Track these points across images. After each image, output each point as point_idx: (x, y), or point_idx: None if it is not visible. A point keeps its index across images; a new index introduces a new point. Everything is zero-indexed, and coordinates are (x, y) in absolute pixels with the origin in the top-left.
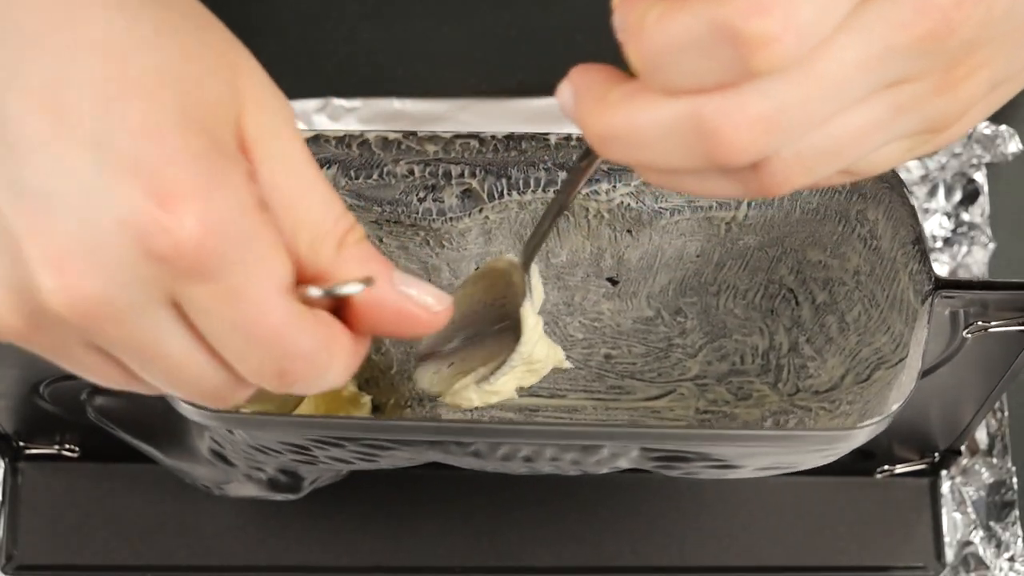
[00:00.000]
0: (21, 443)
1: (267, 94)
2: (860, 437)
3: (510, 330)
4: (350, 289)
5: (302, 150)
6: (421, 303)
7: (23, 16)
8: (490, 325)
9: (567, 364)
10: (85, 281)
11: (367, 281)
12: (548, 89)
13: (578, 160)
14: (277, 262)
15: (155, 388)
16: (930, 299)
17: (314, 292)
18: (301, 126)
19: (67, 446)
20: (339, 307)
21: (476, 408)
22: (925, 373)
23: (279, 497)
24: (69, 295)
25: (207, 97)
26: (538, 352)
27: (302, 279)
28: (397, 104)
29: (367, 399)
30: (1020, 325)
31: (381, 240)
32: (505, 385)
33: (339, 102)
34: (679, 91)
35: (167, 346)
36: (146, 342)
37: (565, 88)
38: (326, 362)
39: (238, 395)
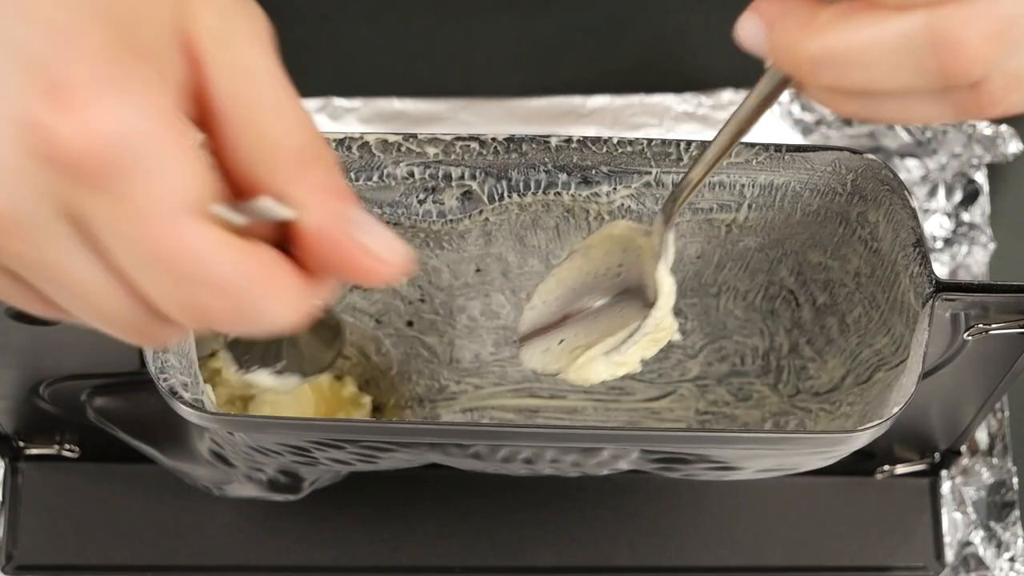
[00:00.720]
0: (21, 443)
1: (227, 2)
2: (861, 440)
3: (634, 298)
4: (266, 210)
5: (268, 65)
6: (375, 253)
7: None
8: (604, 295)
9: (678, 336)
10: None
11: (295, 208)
12: (548, 89)
13: (762, 94)
14: (189, 179)
15: (75, 317)
16: (931, 302)
17: (218, 209)
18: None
19: (67, 446)
20: (288, 243)
21: (592, 384)
22: (926, 375)
23: (279, 498)
24: None
25: None
26: (667, 319)
27: None
28: (397, 104)
29: (367, 400)
30: (1021, 327)
31: None
32: (633, 356)
33: (339, 102)
34: (911, 5)
35: (72, 269)
36: (49, 262)
37: (749, 20)
38: (258, 299)
39: (161, 333)
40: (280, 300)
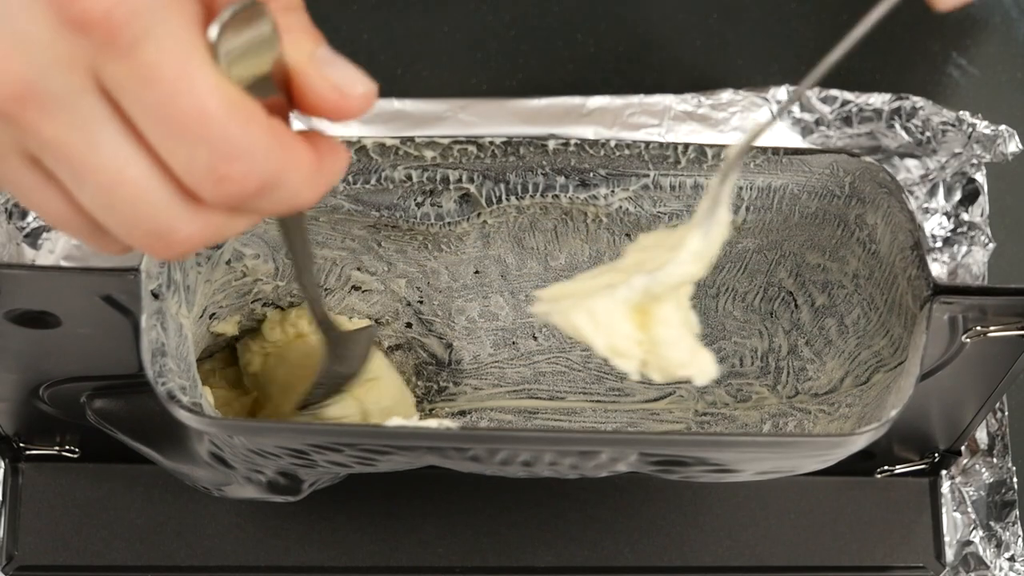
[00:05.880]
0: (21, 444)
1: None
2: (859, 443)
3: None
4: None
5: None
6: (340, 87)
7: None
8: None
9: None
10: (7, 63)
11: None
12: (548, 89)
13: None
14: (194, 34)
15: (94, 226)
16: (929, 304)
17: (212, 31)
18: (300, 126)
19: (67, 447)
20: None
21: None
22: (924, 376)
23: (278, 499)
24: None
25: None
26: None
27: None
28: (397, 104)
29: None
30: (1019, 330)
31: (379, 244)
32: (618, 320)
33: None
34: None
35: (102, 145)
36: (78, 140)
37: None
38: (274, 166)
39: (184, 226)
40: (299, 171)
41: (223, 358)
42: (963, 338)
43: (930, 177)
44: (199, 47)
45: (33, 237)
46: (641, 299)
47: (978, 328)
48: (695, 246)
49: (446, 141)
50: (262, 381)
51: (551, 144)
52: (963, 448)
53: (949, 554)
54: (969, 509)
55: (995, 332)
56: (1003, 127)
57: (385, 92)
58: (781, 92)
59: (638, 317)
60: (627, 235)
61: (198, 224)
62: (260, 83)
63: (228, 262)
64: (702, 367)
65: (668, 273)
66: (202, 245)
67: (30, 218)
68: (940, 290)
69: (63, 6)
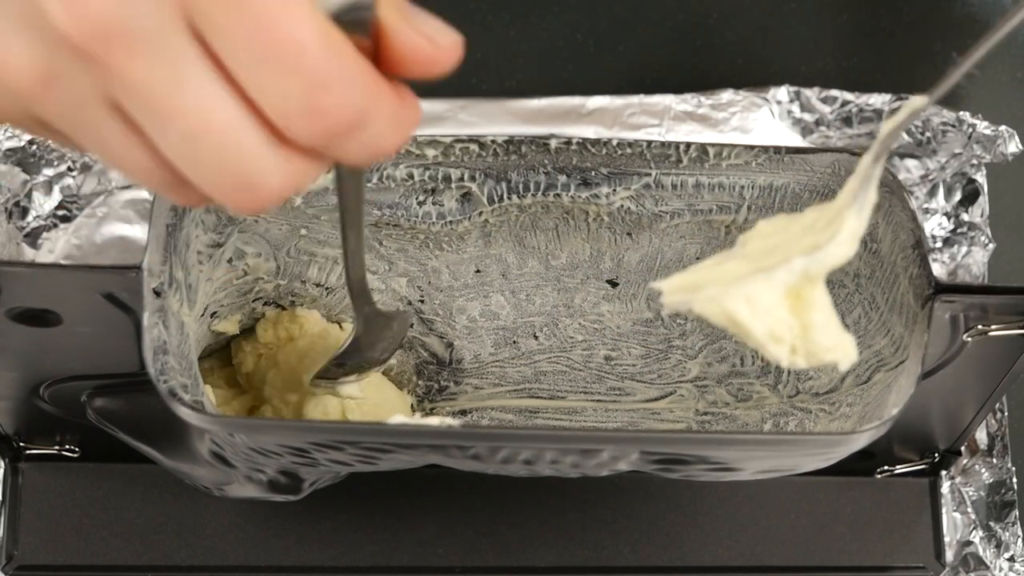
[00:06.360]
0: (21, 443)
1: None
2: (860, 441)
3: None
4: None
5: None
6: (437, 41)
7: None
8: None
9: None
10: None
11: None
12: (548, 89)
13: None
14: None
15: (176, 177)
16: (930, 303)
17: None
18: None
19: (67, 446)
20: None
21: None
22: (925, 375)
23: (279, 498)
24: (76, 13)
25: None
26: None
27: None
28: None
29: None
30: (1020, 329)
31: (380, 243)
32: (775, 304)
33: None
34: None
35: (189, 87)
36: (166, 82)
37: None
38: (366, 101)
39: (270, 174)
40: (386, 112)
41: (221, 357)
42: (964, 337)
43: (930, 177)
44: None
45: (33, 237)
46: (798, 282)
47: (979, 327)
48: (853, 226)
49: (448, 140)
50: (255, 382)
51: (553, 143)
52: (963, 448)
53: (949, 554)
54: (969, 509)
55: (996, 331)
56: (1003, 127)
57: None
58: (781, 92)
59: (791, 301)
60: (628, 234)
61: (282, 171)
62: (352, 25)
63: (230, 260)
64: (847, 350)
65: (828, 254)
66: (285, 197)
67: (30, 218)
68: (942, 289)
69: None
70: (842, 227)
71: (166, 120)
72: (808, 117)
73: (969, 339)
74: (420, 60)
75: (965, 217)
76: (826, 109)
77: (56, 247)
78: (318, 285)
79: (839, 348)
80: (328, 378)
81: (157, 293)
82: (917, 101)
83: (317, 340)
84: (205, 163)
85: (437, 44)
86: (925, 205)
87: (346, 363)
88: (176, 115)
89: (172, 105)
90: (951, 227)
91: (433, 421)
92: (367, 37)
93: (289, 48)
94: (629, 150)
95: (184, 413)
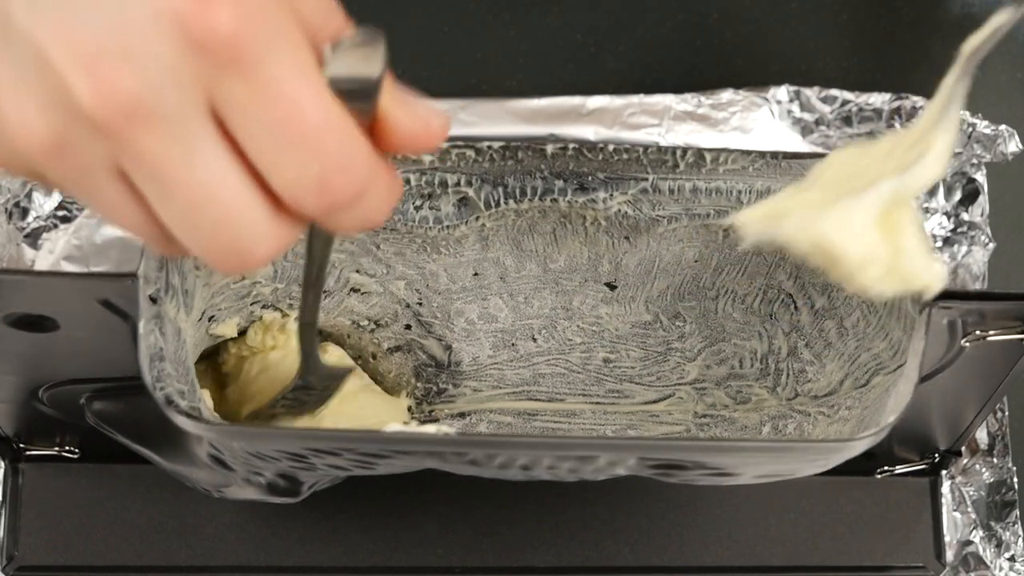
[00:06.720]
0: (21, 444)
1: None
2: (858, 448)
3: None
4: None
5: None
6: (425, 120)
7: None
8: None
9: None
10: (120, 77)
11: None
12: (548, 89)
13: None
14: (309, 55)
15: (165, 236)
16: (928, 309)
17: (327, 51)
18: None
19: (67, 447)
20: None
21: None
22: (924, 379)
23: (278, 500)
24: (103, 92)
25: None
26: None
27: None
28: None
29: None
30: (1018, 334)
31: (378, 247)
32: (866, 227)
33: None
34: None
35: (199, 164)
36: (177, 158)
37: None
38: (369, 178)
39: (262, 243)
40: (381, 187)
41: (216, 358)
42: (962, 342)
43: None
44: (314, 66)
45: (33, 237)
46: (887, 206)
47: (977, 332)
48: (940, 146)
49: (444, 145)
50: (233, 381)
51: (549, 148)
52: (963, 448)
53: (949, 554)
54: (969, 509)
55: (994, 336)
56: (1003, 127)
57: None
58: (781, 92)
59: (881, 226)
60: (626, 238)
61: (273, 239)
62: (354, 101)
63: None
64: (937, 273)
65: (916, 175)
66: (270, 262)
67: (30, 218)
68: (939, 295)
69: (189, 25)
70: (930, 147)
71: (172, 192)
72: (808, 117)
73: (967, 344)
74: (415, 142)
75: (965, 217)
76: (826, 109)
77: (56, 248)
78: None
79: (930, 271)
80: (263, 415)
81: (153, 300)
82: (1002, 16)
83: (291, 355)
84: (202, 231)
85: (430, 128)
86: (925, 205)
87: (284, 403)
88: (183, 188)
89: (180, 179)
90: (951, 227)
91: (429, 429)
92: (367, 115)
93: (311, 132)
94: (626, 155)
95: (180, 421)
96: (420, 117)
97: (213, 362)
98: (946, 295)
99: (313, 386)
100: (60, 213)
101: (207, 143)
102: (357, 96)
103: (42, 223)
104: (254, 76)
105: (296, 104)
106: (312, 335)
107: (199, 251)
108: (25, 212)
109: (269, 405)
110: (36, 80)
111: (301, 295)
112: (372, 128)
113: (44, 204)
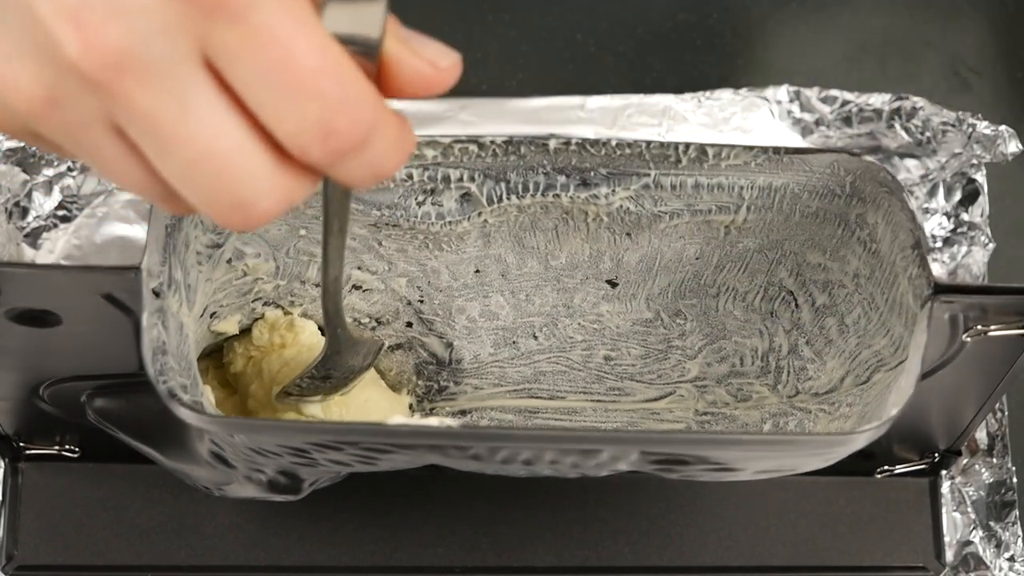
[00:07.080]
0: (21, 443)
1: None
2: (859, 442)
3: None
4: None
5: None
6: (433, 60)
7: None
8: None
9: None
10: (107, 28)
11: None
12: (548, 89)
13: None
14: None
15: (169, 192)
16: (929, 304)
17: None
18: None
19: (67, 446)
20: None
21: None
22: (925, 375)
23: (279, 498)
24: (91, 45)
25: None
26: None
27: None
28: (396, 104)
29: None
30: (1019, 329)
31: (380, 243)
32: None
33: None
34: None
35: (195, 115)
36: (172, 110)
37: None
38: (376, 119)
39: (265, 196)
40: (389, 133)
41: (216, 358)
42: (964, 337)
43: (930, 177)
44: (307, 7)
45: (33, 237)
46: None
47: (979, 327)
48: None
49: (447, 140)
50: (242, 384)
51: (552, 143)
52: (963, 448)
53: (949, 554)
54: (969, 509)
55: (996, 331)
56: (1003, 127)
57: None
58: (781, 92)
59: None
60: (627, 234)
61: (277, 192)
62: (357, 49)
63: (229, 261)
64: None
65: None
66: (276, 217)
67: (30, 218)
68: (941, 289)
69: None
70: None
71: (169, 146)
72: (808, 117)
73: (968, 339)
74: (423, 84)
75: (965, 217)
76: (826, 109)
77: (56, 247)
78: (318, 286)
79: None
80: (293, 394)
81: (156, 294)
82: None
83: (304, 351)
84: (203, 185)
85: (439, 67)
86: (925, 205)
87: (312, 382)
88: (180, 142)
89: (176, 132)
90: (951, 227)
91: (432, 422)
92: (371, 62)
93: (308, 75)
94: (628, 150)
95: (183, 414)
96: (427, 58)
97: (215, 360)
98: (948, 289)
99: (341, 354)
100: (60, 213)
101: (202, 95)
102: (358, 39)
103: (42, 223)
104: (244, 22)
105: (289, 47)
106: (337, 297)
107: (202, 206)
108: (25, 212)
109: (294, 382)
110: (24, 36)
111: (322, 250)
112: (378, 74)
113: (44, 204)
